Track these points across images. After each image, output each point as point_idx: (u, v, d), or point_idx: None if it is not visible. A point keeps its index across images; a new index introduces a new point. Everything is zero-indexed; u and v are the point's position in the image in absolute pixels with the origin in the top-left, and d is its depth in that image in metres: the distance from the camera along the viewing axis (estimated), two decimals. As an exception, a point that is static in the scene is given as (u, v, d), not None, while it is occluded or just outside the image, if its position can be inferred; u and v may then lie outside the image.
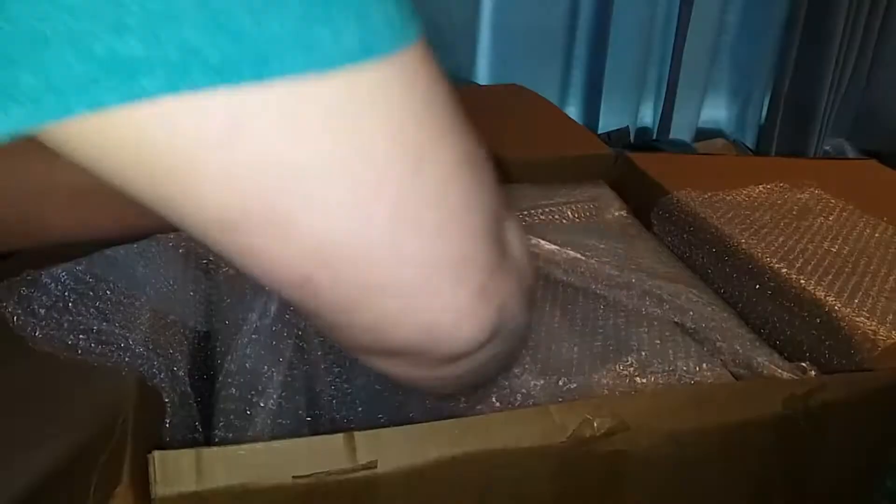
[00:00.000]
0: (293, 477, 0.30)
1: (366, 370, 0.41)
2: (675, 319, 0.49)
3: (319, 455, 0.31)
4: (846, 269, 0.51)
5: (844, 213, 0.60)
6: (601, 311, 0.49)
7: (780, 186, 0.64)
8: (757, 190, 0.64)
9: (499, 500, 0.35)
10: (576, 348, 0.45)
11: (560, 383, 0.41)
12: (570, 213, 0.63)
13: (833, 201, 0.62)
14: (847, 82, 1.57)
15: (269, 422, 0.38)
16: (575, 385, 0.41)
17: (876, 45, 1.55)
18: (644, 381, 0.42)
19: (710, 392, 0.40)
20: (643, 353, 0.44)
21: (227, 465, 0.30)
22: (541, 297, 0.50)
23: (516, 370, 0.41)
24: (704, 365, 0.44)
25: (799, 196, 0.63)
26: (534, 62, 1.43)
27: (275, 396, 0.39)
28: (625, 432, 0.35)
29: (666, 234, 0.63)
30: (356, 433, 0.31)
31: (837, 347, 0.46)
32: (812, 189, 0.64)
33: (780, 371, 0.44)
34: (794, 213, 0.60)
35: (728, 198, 0.63)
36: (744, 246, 0.54)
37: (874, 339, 0.44)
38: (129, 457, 0.32)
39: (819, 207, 0.61)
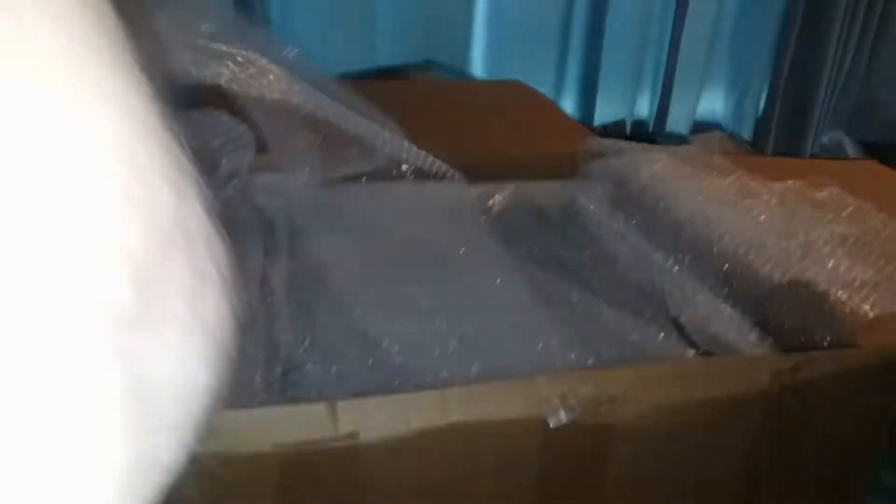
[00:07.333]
0: (273, 444, 0.30)
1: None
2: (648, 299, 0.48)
3: (300, 423, 0.30)
4: (846, 255, 0.51)
5: (860, 210, 0.60)
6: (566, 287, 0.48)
7: (799, 184, 0.64)
8: (778, 186, 0.63)
9: (484, 472, 0.34)
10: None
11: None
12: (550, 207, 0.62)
13: (850, 199, 0.61)
14: (845, 74, 1.56)
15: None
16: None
17: (875, 36, 1.54)
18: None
19: (697, 366, 0.40)
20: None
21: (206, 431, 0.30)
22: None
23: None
24: (662, 338, 0.44)
25: (818, 194, 0.63)
26: (529, 54, 1.42)
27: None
28: (610, 404, 0.35)
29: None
30: (339, 402, 0.31)
31: (824, 322, 0.46)
32: (832, 188, 0.63)
33: (751, 348, 0.44)
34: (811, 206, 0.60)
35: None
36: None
37: (859, 313, 0.44)
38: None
39: (835, 203, 0.61)
